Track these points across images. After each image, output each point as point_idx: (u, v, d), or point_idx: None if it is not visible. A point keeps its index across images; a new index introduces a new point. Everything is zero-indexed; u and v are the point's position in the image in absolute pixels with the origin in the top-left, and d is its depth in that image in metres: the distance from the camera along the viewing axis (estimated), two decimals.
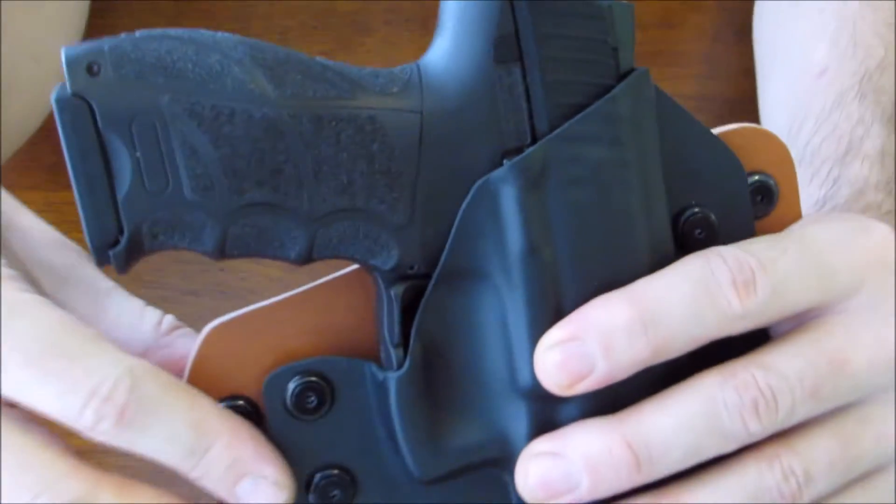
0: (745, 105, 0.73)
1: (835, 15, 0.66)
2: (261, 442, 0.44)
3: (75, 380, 0.41)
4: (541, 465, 0.44)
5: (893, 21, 0.64)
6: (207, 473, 0.43)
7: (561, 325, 0.43)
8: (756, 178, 0.47)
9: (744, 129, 0.47)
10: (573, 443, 0.44)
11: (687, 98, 0.66)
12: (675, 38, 0.72)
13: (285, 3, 0.71)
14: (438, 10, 0.43)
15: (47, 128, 0.66)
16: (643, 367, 0.44)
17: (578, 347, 0.43)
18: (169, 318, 0.47)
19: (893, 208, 0.56)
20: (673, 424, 0.43)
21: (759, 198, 0.47)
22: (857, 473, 0.45)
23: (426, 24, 0.74)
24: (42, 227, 0.48)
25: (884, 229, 0.47)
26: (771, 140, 0.48)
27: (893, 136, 0.60)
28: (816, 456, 0.45)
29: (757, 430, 0.44)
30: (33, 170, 0.69)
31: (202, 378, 0.45)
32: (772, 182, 0.47)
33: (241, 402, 0.46)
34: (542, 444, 0.44)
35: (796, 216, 0.48)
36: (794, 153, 0.53)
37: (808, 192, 0.58)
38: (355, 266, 0.46)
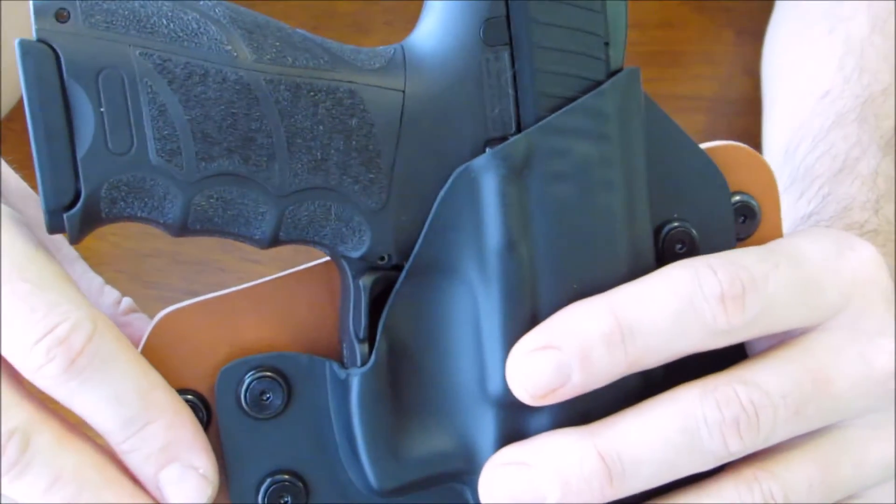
0: (745, 105, 0.72)
1: (843, 40, 0.66)
2: (199, 431, 0.42)
3: (34, 309, 0.39)
4: (508, 474, 0.41)
5: None
6: (138, 449, 0.40)
7: (537, 332, 0.41)
8: (739, 197, 0.46)
9: (730, 147, 0.46)
10: (543, 453, 0.41)
11: (687, 98, 0.66)
12: (675, 38, 0.72)
13: (285, 3, 0.69)
14: None
15: None
16: (618, 378, 0.41)
17: (554, 356, 0.41)
18: (127, 300, 0.45)
19: (877, 227, 0.55)
20: (649, 438, 0.41)
21: (741, 218, 0.46)
22: (835, 499, 0.43)
23: None
24: (17, 179, 0.45)
25: (869, 248, 0.45)
26: (756, 161, 0.46)
27: (890, 158, 0.59)
28: (796, 480, 0.42)
29: (737, 448, 0.41)
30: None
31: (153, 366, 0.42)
32: (755, 203, 0.46)
33: (189, 397, 0.43)
34: (511, 452, 0.42)
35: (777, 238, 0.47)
36: (789, 171, 0.52)
37: (797, 207, 0.57)
38: (321, 260, 0.44)
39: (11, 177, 0.45)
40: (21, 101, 0.39)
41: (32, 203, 0.44)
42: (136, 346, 0.42)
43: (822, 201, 0.58)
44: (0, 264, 0.39)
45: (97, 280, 0.46)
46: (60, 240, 0.45)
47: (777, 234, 0.47)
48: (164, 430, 0.40)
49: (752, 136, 0.70)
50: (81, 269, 0.46)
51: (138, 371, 0.40)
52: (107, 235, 0.62)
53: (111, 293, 0.46)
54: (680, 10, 0.74)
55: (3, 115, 0.62)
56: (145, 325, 0.44)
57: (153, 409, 0.40)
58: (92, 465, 0.40)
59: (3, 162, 0.45)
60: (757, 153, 0.46)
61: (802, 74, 0.67)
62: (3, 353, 0.39)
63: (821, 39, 0.68)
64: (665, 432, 0.41)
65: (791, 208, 0.57)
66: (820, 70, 0.66)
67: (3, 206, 0.41)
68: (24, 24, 0.60)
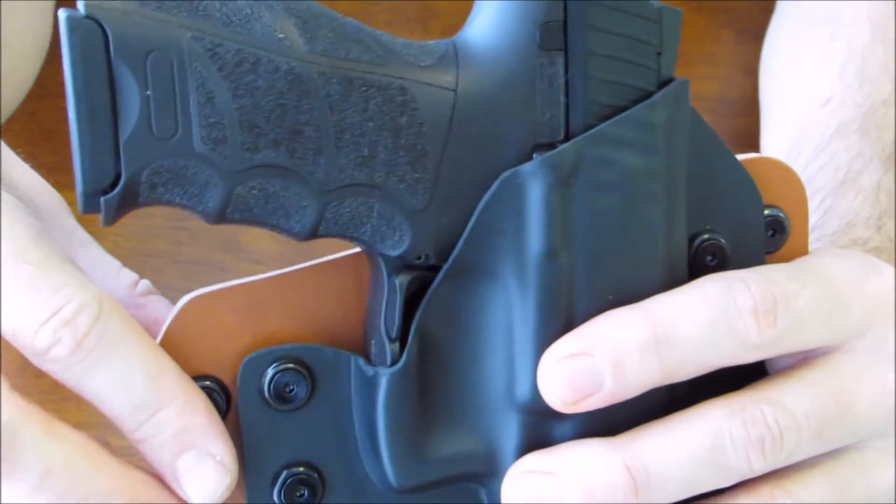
0: (746, 105, 0.72)
1: (844, 46, 0.66)
2: (214, 416, 0.41)
3: (38, 291, 0.38)
4: (532, 481, 0.41)
5: None
6: (152, 436, 0.39)
7: (571, 338, 0.41)
8: (769, 211, 0.46)
9: (763, 159, 0.46)
10: (569, 462, 0.41)
11: None
12: None
13: None
14: None
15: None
16: (650, 389, 0.41)
17: (588, 363, 0.40)
18: (145, 283, 0.43)
19: (879, 245, 0.55)
20: (676, 454, 0.41)
21: (770, 232, 0.46)
22: None
23: (427, 24, 0.72)
24: (26, 168, 0.43)
25: (892, 272, 0.46)
26: (789, 175, 0.46)
27: (891, 174, 0.59)
28: (811, 499, 0.43)
29: (759, 467, 0.42)
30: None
31: (172, 351, 0.41)
32: (785, 217, 0.46)
33: (207, 383, 0.42)
34: (535, 460, 0.41)
35: (803, 255, 0.47)
36: None
37: None
38: (349, 252, 0.43)
39: (19, 164, 0.44)
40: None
41: (41, 192, 0.43)
42: (155, 327, 0.41)
43: (823, 215, 0.58)
44: (0, 247, 0.38)
45: (115, 262, 0.45)
46: (74, 224, 0.44)
47: (804, 248, 0.47)
48: (176, 415, 0.39)
49: (754, 135, 0.70)
50: (98, 253, 0.45)
51: (147, 354, 0.39)
52: (107, 234, 0.61)
53: (128, 275, 0.44)
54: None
55: (3, 120, 0.60)
56: (163, 308, 0.43)
57: (164, 393, 0.39)
58: (82, 454, 0.39)
59: (11, 152, 0.44)
60: (791, 168, 0.46)
61: (802, 80, 0.67)
62: (8, 338, 0.38)
63: (821, 45, 0.68)
64: (692, 448, 0.41)
65: None
66: (821, 76, 0.66)
67: (3, 192, 0.40)
68: (20, 26, 0.58)
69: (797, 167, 0.60)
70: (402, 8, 0.71)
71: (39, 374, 0.59)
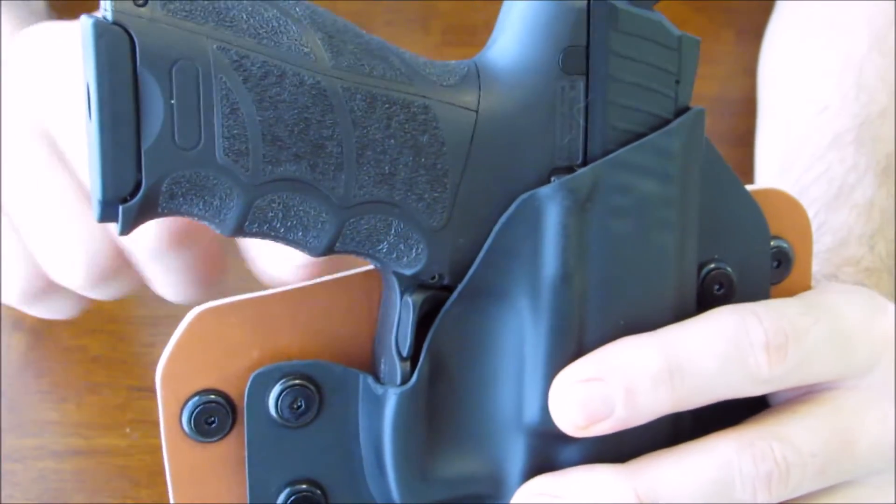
0: (746, 105, 0.72)
1: (842, 55, 0.66)
2: None
3: None
4: None
5: None
6: None
7: (585, 362, 0.41)
8: (775, 243, 0.46)
9: (770, 191, 0.46)
10: (579, 487, 0.41)
11: None
12: None
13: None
14: (500, 10, 0.41)
15: None
16: (660, 416, 0.41)
17: (601, 388, 0.40)
18: None
19: (871, 265, 0.56)
20: (685, 484, 0.41)
21: (775, 263, 0.46)
22: None
23: (427, 25, 0.72)
24: None
25: (894, 310, 0.46)
26: (796, 208, 0.46)
27: (885, 188, 0.59)
28: None
29: (763, 500, 0.42)
30: None
31: (180, 364, 0.41)
32: (790, 249, 0.46)
33: (214, 397, 0.42)
34: (545, 483, 0.41)
35: (805, 287, 0.47)
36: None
37: None
38: (361, 269, 0.43)
39: None
40: None
41: None
42: None
43: (817, 230, 0.58)
44: None
45: None
46: None
47: (807, 280, 0.47)
48: None
49: (754, 136, 0.70)
50: None
51: None
52: None
53: None
54: (680, 10, 0.74)
55: None
56: None
57: None
58: None
59: None
60: (797, 199, 0.47)
61: (800, 87, 0.67)
62: None
63: (820, 52, 0.68)
64: (701, 480, 0.41)
65: None
66: (818, 84, 0.66)
67: None
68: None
69: (791, 176, 0.60)
70: (402, 8, 0.71)
71: (39, 374, 0.58)
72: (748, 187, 0.45)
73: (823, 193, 0.59)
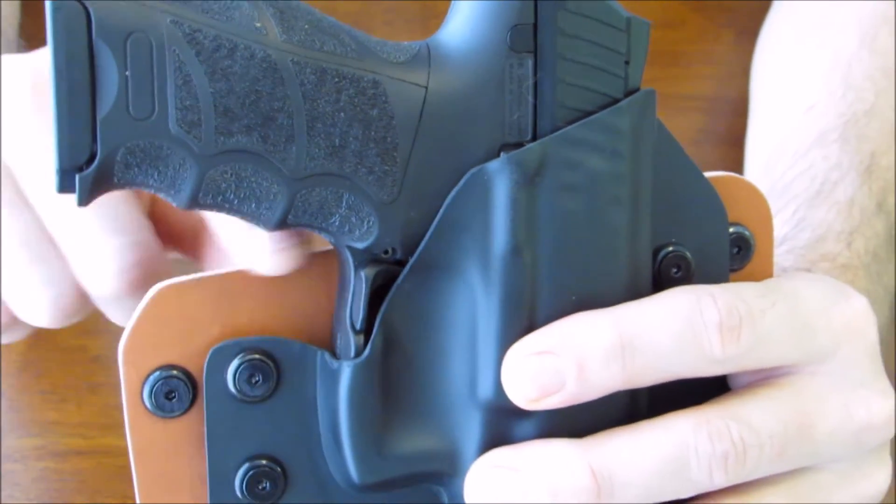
0: (746, 105, 0.72)
1: (831, 53, 0.66)
2: None
3: None
4: (497, 477, 0.41)
5: (890, 68, 0.64)
6: None
7: (538, 336, 0.41)
8: (735, 229, 0.46)
9: (730, 178, 0.47)
10: (535, 460, 0.41)
11: (687, 98, 0.67)
12: (675, 38, 0.72)
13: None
14: None
15: None
16: (612, 392, 0.42)
17: (553, 362, 0.41)
18: None
19: (847, 262, 0.56)
20: (641, 462, 0.41)
21: (735, 249, 0.47)
22: None
23: (427, 25, 0.73)
24: None
25: (862, 301, 0.46)
26: (755, 195, 0.47)
27: (866, 187, 0.60)
28: None
29: (720, 481, 0.42)
30: None
31: (142, 339, 0.42)
32: (750, 235, 0.47)
33: (175, 373, 0.42)
34: (502, 455, 0.42)
35: (767, 274, 0.47)
36: (768, 185, 0.52)
37: None
38: (322, 249, 0.44)
39: None
40: None
41: None
42: None
43: (796, 226, 0.58)
44: None
45: None
46: None
47: (768, 267, 0.47)
48: None
49: None
50: None
51: None
52: None
53: None
54: (680, 10, 0.75)
55: None
56: None
57: None
58: None
59: None
60: (757, 187, 0.47)
61: (789, 85, 0.67)
62: None
63: (810, 51, 0.68)
64: (657, 458, 0.41)
65: None
66: (806, 82, 0.67)
67: None
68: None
69: (776, 172, 0.60)
70: (402, 8, 0.72)
71: (39, 374, 0.59)
72: (707, 174, 0.46)
73: (805, 190, 0.60)
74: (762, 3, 0.76)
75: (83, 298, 0.47)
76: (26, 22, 0.70)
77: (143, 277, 0.45)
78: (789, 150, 0.62)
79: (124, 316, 0.46)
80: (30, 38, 0.65)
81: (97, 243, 0.45)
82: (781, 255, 0.56)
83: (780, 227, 0.58)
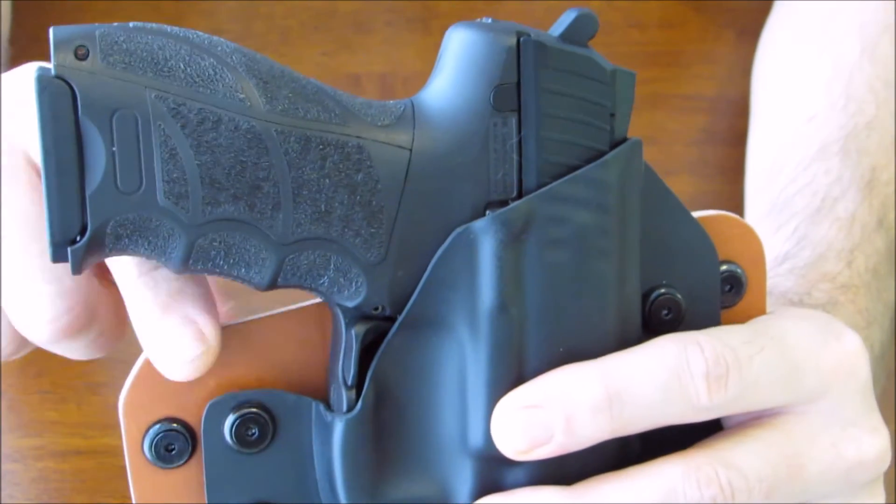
0: (746, 105, 0.72)
1: (832, 62, 0.66)
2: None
3: None
4: None
5: (890, 78, 0.64)
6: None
7: (526, 389, 0.42)
8: (727, 267, 0.47)
9: (721, 216, 0.47)
10: None
11: (687, 98, 0.67)
12: (675, 38, 0.72)
13: (286, 3, 0.69)
14: (440, 47, 0.42)
15: None
16: (600, 442, 0.42)
17: (541, 415, 0.42)
18: None
19: (848, 281, 0.56)
20: None
21: (727, 287, 0.47)
22: None
23: (427, 25, 0.73)
24: None
25: (854, 340, 0.46)
26: (747, 233, 0.47)
27: (867, 202, 0.60)
28: None
29: None
30: None
31: (141, 394, 0.43)
32: (742, 273, 0.47)
33: (175, 426, 0.44)
34: (492, 502, 0.43)
35: (761, 311, 0.48)
36: (769, 199, 0.52)
37: (771, 244, 0.57)
38: (314, 300, 0.45)
39: None
40: None
41: None
42: None
43: (797, 243, 0.58)
44: None
45: None
46: None
47: (761, 305, 0.48)
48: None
49: None
50: None
51: None
52: None
53: None
54: (680, 10, 0.74)
55: None
56: None
57: None
58: None
59: None
60: (749, 225, 0.47)
61: (790, 93, 0.67)
62: None
63: (812, 59, 0.68)
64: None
65: (767, 241, 0.57)
66: (807, 91, 0.66)
67: None
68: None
69: (777, 186, 0.60)
70: (402, 8, 0.71)
71: (39, 374, 0.60)
72: (698, 213, 0.46)
73: (806, 206, 0.60)
74: (763, 4, 0.75)
75: (23, 340, 0.46)
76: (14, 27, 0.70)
77: (78, 321, 0.44)
78: (791, 161, 0.62)
79: (72, 354, 0.46)
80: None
81: (28, 292, 0.43)
82: (782, 275, 0.56)
83: (781, 244, 0.58)
